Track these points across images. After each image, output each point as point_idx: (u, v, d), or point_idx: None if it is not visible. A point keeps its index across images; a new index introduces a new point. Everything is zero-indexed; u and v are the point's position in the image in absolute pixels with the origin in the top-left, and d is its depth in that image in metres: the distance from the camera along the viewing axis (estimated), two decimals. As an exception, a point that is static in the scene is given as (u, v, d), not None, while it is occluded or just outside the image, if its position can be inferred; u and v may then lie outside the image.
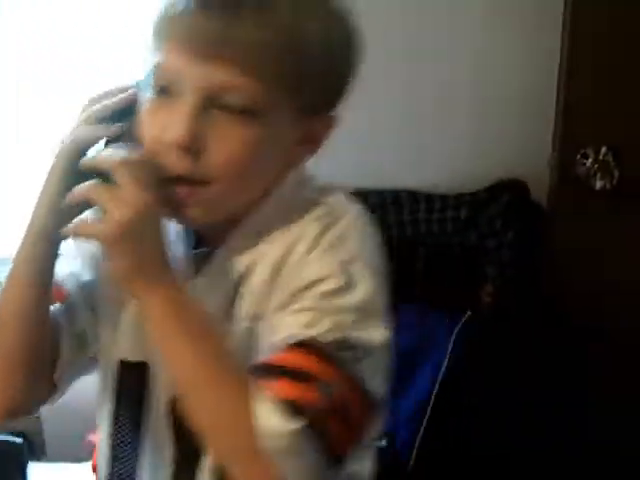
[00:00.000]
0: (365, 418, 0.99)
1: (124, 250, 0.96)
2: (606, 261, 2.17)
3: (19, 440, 1.91)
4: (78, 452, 1.83)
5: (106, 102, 1.05)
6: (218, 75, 0.96)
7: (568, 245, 2.18)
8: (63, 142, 1.04)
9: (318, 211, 1.05)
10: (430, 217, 2.21)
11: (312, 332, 0.96)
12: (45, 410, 2.15)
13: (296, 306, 0.99)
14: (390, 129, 2.26)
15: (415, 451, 1.86)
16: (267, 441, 0.93)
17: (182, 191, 0.99)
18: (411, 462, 1.85)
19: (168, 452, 1.11)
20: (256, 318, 1.03)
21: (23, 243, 1.07)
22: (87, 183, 0.98)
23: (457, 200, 2.20)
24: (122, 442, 1.16)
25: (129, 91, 1.06)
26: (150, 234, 0.97)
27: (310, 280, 0.99)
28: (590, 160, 2.12)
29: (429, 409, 1.90)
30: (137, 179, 0.96)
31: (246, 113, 0.98)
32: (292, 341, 0.96)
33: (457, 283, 2.15)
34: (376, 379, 1.00)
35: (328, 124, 1.08)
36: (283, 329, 0.98)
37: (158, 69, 1.00)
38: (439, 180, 2.25)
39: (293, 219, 1.04)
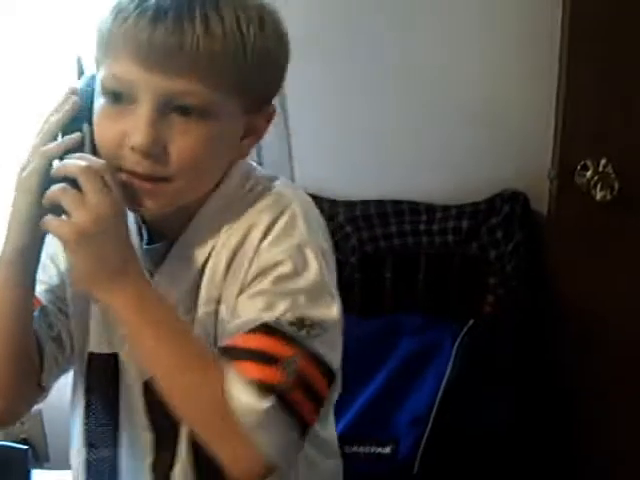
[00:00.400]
0: (326, 389, 1.07)
1: (83, 254, 1.02)
2: (607, 271, 2.18)
3: (22, 447, 1.91)
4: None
5: (58, 116, 1.09)
6: (172, 83, 1.03)
7: (568, 256, 2.19)
8: (28, 160, 1.07)
9: (267, 200, 1.13)
10: (431, 228, 2.22)
11: (270, 315, 1.04)
12: (48, 417, 2.17)
13: (253, 291, 1.07)
14: (392, 141, 2.27)
15: (419, 457, 1.87)
16: (242, 419, 1.00)
17: (142, 185, 1.06)
18: (415, 467, 1.86)
19: (145, 438, 1.18)
20: (217, 302, 1.11)
21: (0, 262, 1.10)
22: (56, 186, 1.03)
23: (458, 211, 2.22)
24: (97, 429, 1.22)
25: (73, 100, 1.10)
26: (111, 238, 1.03)
27: (265, 266, 1.07)
28: (590, 171, 2.13)
29: (432, 416, 1.92)
30: (100, 184, 1.02)
31: (199, 115, 1.05)
32: (253, 325, 1.04)
33: (459, 293, 2.17)
34: (332, 352, 1.07)
35: (268, 117, 1.15)
36: (242, 313, 1.06)
37: (110, 77, 1.06)
38: (440, 191, 2.26)
39: (244, 209, 1.12)
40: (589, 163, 2.13)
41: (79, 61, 1.13)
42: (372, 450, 1.89)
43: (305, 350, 1.04)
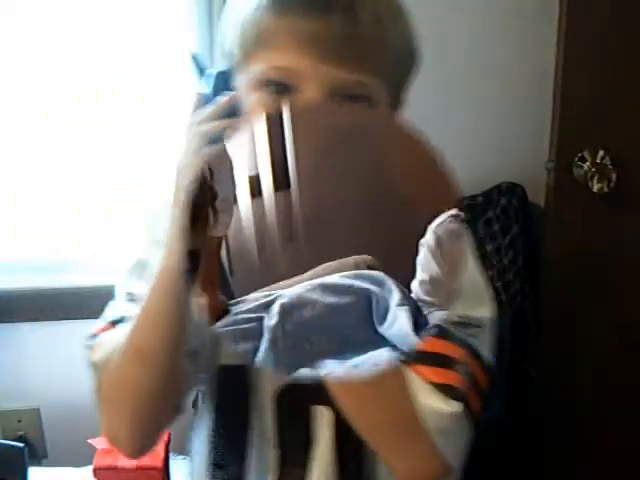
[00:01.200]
0: (487, 387, 1.06)
1: None
2: (605, 264, 2.18)
3: (20, 444, 1.91)
4: (79, 456, 1.83)
5: (209, 113, 1.00)
6: (342, 72, 1.01)
7: (566, 248, 2.18)
8: (183, 170, 0.98)
9: None
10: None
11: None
12: (46, 414, 2.17)
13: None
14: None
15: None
16: (430, 422, 0.99)
17: None
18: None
19: (272, 453, 1.14)
20: None
21: (161, 275, 1.03)
22: None
23: (455, 204, 2.21)
24: (226, 448, 1.17)
25: (228, 98, 1.01)
26: None
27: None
28: (587, 163, 2.12)
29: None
30: None
31: (366, 104, 1.04)
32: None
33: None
34: (489, 351, 1.07)
35: (398, 111, 1.15)
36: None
37: (272, 70, 1.04)
38: (437, 184, 2.25)
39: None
40: (587, 155, 2.12)
41: (195, 58, 1.07)
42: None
43: (471, 350, 1.04)
